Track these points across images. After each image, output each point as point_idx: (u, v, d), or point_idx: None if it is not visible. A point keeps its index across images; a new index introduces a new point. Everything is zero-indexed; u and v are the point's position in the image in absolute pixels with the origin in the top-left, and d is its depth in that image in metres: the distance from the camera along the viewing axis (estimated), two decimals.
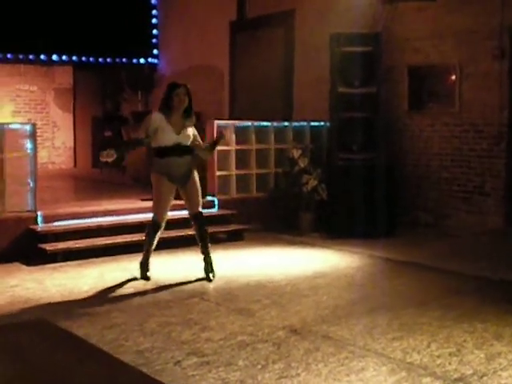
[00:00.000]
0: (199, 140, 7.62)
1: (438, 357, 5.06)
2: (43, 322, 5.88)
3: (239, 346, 5.30)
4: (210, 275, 7.52)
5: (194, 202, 7.52)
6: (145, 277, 7.44)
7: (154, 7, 15.84)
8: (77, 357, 5.02)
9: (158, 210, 7.42)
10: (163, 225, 7.45)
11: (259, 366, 4.86)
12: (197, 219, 7.55)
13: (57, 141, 16.72)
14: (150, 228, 7.47)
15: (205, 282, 7.35)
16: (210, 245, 7.63)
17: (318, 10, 11.82)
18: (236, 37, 13.84)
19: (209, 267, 7.57)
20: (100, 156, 7.32)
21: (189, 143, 7.39)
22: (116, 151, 7.21)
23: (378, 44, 10.36)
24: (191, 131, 7.43)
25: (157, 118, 7.30)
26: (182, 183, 7.40)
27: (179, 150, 7.32)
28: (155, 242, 7.50)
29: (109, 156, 7.15)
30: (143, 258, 7.51)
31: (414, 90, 10.65)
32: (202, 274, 7.55)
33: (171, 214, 8.36)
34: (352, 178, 10.12)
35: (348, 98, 10.35)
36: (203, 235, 7.59)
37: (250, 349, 5.23)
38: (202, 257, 7.61)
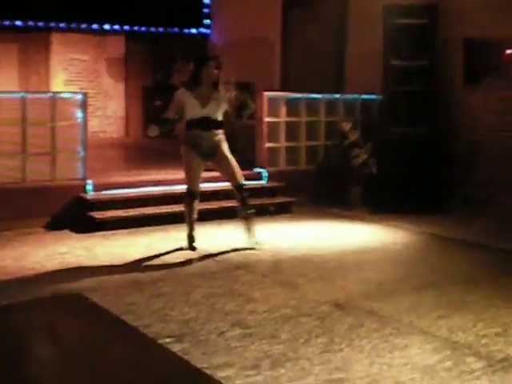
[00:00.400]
0: (229, 109, 7.52)
1: (484, 336, 4.99)
2: (83, 294, 5.92)
3: (283, 318, 5.31)
4: (255, 241, 7.61)
5: (230, 174, 7.55)
6: (191, 247, 7.49)
7: None
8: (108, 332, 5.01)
9: (189, 180, 7.50)
10: (197, 192, 7.51)
11: (302, 340, 4.86)
12: (239, 190, 7.58)
13: (108, 110, 16.83)
14: (185, 198, 7.54)
15: (251, 254, 7.37)
16: (252, 215, 7.67)
17: None
18: (288, 8, 13.70)
19: (251, 235, 7.65)
20: (146, 131, 7.45)
21: (218, 116, 7.37)
22: (159, 127, 7.33)
23: (433, 16, 10.16)
24: (220, 102, 7.37)
25: (179, 94, 7.42)
26: (211, 156, 7.43)
27: (206, 123, 7.33)
28: (195, 213, 7.56)
29: (153, 131, 7.34)
30: (187, 229, 7.57)
31: (469, 63, 10.41)
32: (248, 247, 7.61)
33: (220, 185, 8.41)
34: (402, 152, 10.00)
35: (401, 71, 10.20)
36: (245, 206, 7.64)
37: (293, 322, 5.23)
38: (247, 227, 7.67)
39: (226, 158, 7.48)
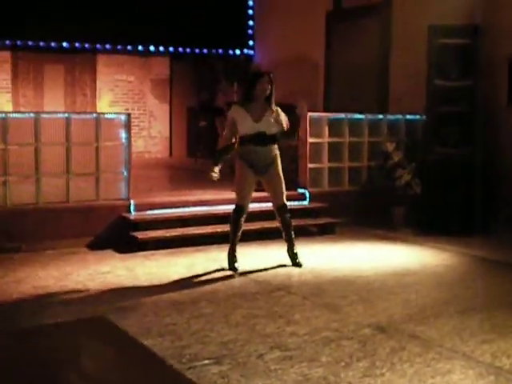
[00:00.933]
0: (283, 124, 7.51)
1: None
2: (122, 314, 5.96)
3: (323, 341, 5.25)
4: (297, 261, 7.62)
5: (276, 193, 7.54)
6: (232, 267, 7.47)
7: None
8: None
9: (240, 195, 7.48)
10: (246, 210, 7.48)
11: (343, 364, 4.80)
12: (280, 211, 7.57)
13: (153, 130, 16.99)
14: (234, 213, 7.51)
15: (292, 275, 7.33)
16: (293, 235, 7.67)
17: (415, 1, 11.56)
18: (332, 27, 13.70)
19: (294, 255, 7.67)
20: (209, 177, 7.43)
21: (272, 131, 7.37)
22: (217, 164, 7.35)
23: (476, 36, 10.08)
24: (274, 116, 7.38)
25: (233, 111, 7.41)
26: (264, 172, 7.42)
27: (260, 138, 7.33)
28: (240, 231, 7.53)
29: (214, 174, 7.37)
30: (230, 248, 7.55)
31: None
32: (290, 266, 7.61)
33: (263, 206, 8.39)
34: (447, 173, 9.89)
35: (445, 91, 10.11)
36: (287, 227, 7.63)
37: (334, 345, 5.17)
38: (288, 250, 7.68)
39: (278, 175, 7.48)
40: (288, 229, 7.64)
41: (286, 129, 7.52)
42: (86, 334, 5.42)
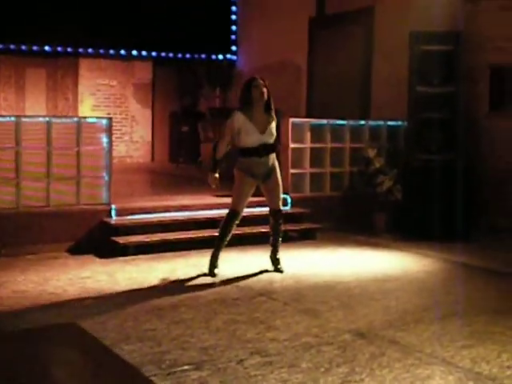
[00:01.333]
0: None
1: (509, 368, 4.88)
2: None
3: (304, 347, 5.24)
4: (279, 267, 7.63)
5: (274, 198, 7.56)
6: (212, 273, 7.44)
7: (234, 3, 15.86)
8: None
9: (238, 200, 7.44)
10: (240, 215, 7.46)
11: (322, 369, 4.79)
12: (275, 216, 7.58)
13: (135, 135, 16.93)
14: (227, 217, 7.47)
15: (273, 281, 7.32)
16: (280, 241, 7.68)
17: (397, 8, 11.61)
18: (315, 33, 13.73)
19: (276, 261, 7.68)
20: (210, 182, 7.42)
21: (272, 141, 7.37)
22: (215, 171, 7.31)
23: (458, 43, 10.14)
24: (274, 125, 7.41)
25: (239, 118, 7.28)
26: (264, 179, 7.42)
27: (263, 149, 7.32)
28: (229, 236, 7.49)
29: (214, 181, 7.33)
30: (214, 253, 7.51)
31: (495, 90, 10.35)
32: (271, 272, 7.62)
33: (244, 211, 8.37)
34: (428, 179, 9.93)
35: (427, 97, 10.17)
36: (277, 231, 7.66)
37: (314, 351, 5.16)
38: (272, 255, 7.70)
39: (277, 182, 7.50)
40: (277, 234, 7.66)
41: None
42: (56, 340, 5.40)
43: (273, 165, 7.45)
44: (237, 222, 7.46)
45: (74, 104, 16.07)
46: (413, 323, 5.91)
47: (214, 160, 7.42)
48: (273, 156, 7.44)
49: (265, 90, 7.30)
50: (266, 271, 7.65)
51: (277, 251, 7.71)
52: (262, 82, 7.31)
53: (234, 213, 7.43)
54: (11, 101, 15.59)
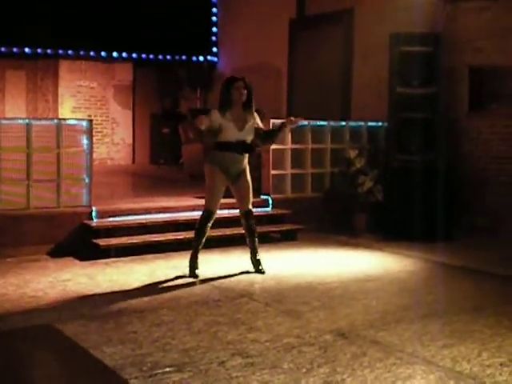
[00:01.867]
0: (262, 127, 7.54)
1: (489, 366, 4.91)
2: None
3: (285, 348, 5.24)
4: (260, 268, 7.63)
5: (245, 199, 7.54)
6: (193, 274, 7.43)
7: (214, 5, 15.86)
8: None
9: (211, 198, 7.43)
10: (215, 215, 7.45)
11: (304, 370, 4.79)
12: (247, 217, 7.56)
13: (116, 137, 16.88)
14: (202, 217, 7.46)
15: (255, 282, 7.32)
16: (257, 242, 7.68)
17: (377, 9, 11.67)
18: (295, 35, 13.77)
19: (257, 262, 7.67)
20: (195, 122, 7.31)
21: (250, 140, 7.36)
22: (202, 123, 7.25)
23: (438, 44, 10.20)
24: (253, 123, 7.38)
25: (217, 117, 7.28)
26: (235, 179, 7.41)
27: (240, 146, 7.32)
28: (205, 237, 7.49)
29: (205, 123, 7.22)
30: (192, 255, 7.51)
31: (475, 90, 10.42)
32: (253, 273, 7.62)
33: (224, 213, 8.37)
34: (409, 179, 9.97)
35: (407, 98, 10.21)
36: (252, 232, 7.63)
37: (295, 351, 5.16)
38: (252, 257, 7.69)
39: (247, 182, 7.49)
40: (252, 235, 7.64)
41: (263, 130, 7.52)
42: (33, 342, 5.37)
43: (245, 166, 7.45)
44: (211, 221, 7.44)
45: (54, 106, 15.99)
46: (394, 323, 5.93)
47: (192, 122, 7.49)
48: (246, 156, 7.44)
49: (244, 91, 7.30)
50: (248, 272, 7.66)
51: (256, 252, 7.70)
52: (242, 83, 7.31)
53: (208, 213, 7.43)
54: None
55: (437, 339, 5.49)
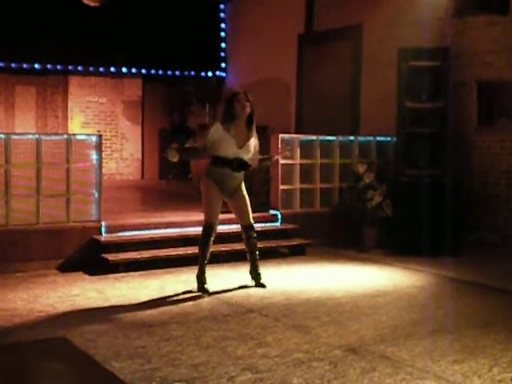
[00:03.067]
0: (257, 151, 7.60)
1: (500, 382, 4.88)
2: (91, 337, 5.90)
3: (295, 363, 5.22)
4: (261, 282, 7.66)
5: (244, 214, 7.58)
6: (202, 289, 7.43)
7: (223, 21, 15.92)
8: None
9: (209, 212, 7.44)
10: (216, 228, 7.46)
11: None
12: (247, 231, 7.59)
13: (125, 152, 16.94)
14: (203, 232, 7.47)
15: (264, 297, 7.29)
16: (258, 256, 7.72)
17: (385, 25, 11.69)
18: (304, 50, 13.81)
19: (258, 276, 7.70)
20: (165, 155, 7.35)
21: (248, 158, 7.39)
22: (179, 153, 7.27)
23: (446, 59, 10.20)
24: (253, 144, 7.42)
25: (218, 130, 7.28)
26: (231, 194, 7.46)
27: (237, 164, 7.33)
28: (209, 251, 7.49)
29: (172, 156, 7.24)
30: (199, 270, 7.51)
31: (483, 105, 10.42)
32: (260, 288, 7.65)
33: (233, 228, 8.38)
34: (417, 194, 9.95)
35: (415, 113, 10.21)
36: (252, 247, 7.66)
37: (305, 367, 5.14)
38: (253, 271, 7.78)
39: (244, 197, 7.53)
40: (253, 249, 7.66)
41: (253, 154, 7.54)
42: (45, 355, 5.36)
43: (241, 181, 7.50)
44: (214, 234, 7.45)
45: (64, 121, 16.07)
46: (403, 338, 5.91)
47: (183, 148, 7.48)
48: (242, 174, 7.47)
49: (248, 104, 7.32)
50: (246, 287, 7.66)
51: (257, 266, 7.72)
52: (244, 96, 7.33)
53: (209, 226, 7.43)
54: (0, 118, 15.56)
55: (447, 354, 5.47)
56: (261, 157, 7.70)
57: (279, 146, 7.74)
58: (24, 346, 5.55)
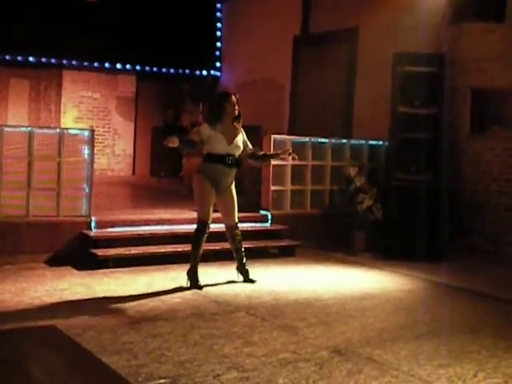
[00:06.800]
0: (249, 145, 7.71)
1: None
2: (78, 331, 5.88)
3: (281, 363, 5.23)
4: (250, 277, 7.80)
5: (230, 213, 7.64)
6: (196, 286, 7.45)
7: (219, 20, 15.94)
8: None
9: (203, 209, 7.47)
10: (209, 224, 7.48)
11: None
12: (232, 231, 7.66)
13: (117, 148, 16.90)
14: (197, 229, 7.50)
15: (252, 297, 7.29)
16: (244, 254, 7.81)
17: (381, 29, 11.72)
18: (299, 52, 13.83)
19: (246, 272, 7.82)
20: (165, 141, 7.31)
21: (237, 155, 7.45)
22: (180, 142, 7.25)
23: (441, 65, 10.24)
24: (241, 139, 7.50)
25: (206, 130, 7.39)
26: (222, 193, 7.50)
27: (229, 160, 7.40)
28: (202, 247, 7.53)
29: (173, 142, 7.20)
30: (192, 267, 7.53)
31: (476, 112, 10.46)
32: (249, 286, 7.66)
33: (222, 226, 8.36)
34: (408, 199, 9.98)
35: (409, 118, 10.24)
36: (238, 246, 7.75)
37: (291, 367, 5.15)
38: (241, 267, 7.88)
39: (233, 197, 7.59)
40: (239, 247, 7.76)
41: (251, 150, 7.64)
42: (36, 342, 5.33)
43: (232, 179, 7.57)
44: (207, 231, 7.48)
45: (57, 115, 16.02)
46: (390, 341, 5.92)
47: (186, 138, 7.49)
48: (234, 170, 7.54)
49: (237, 106, 7.45)
50: (234, 282, 7.75)
51: (244, 263, 7.82)
52: (235, 98, 7.45)
53: (203, 224, 7.47)
54: None
55: (433, 358, 5.48)
56: (273, 153, 7.83)
57: (290, 151, 7.88)
58: (13, 333, 5.51)
